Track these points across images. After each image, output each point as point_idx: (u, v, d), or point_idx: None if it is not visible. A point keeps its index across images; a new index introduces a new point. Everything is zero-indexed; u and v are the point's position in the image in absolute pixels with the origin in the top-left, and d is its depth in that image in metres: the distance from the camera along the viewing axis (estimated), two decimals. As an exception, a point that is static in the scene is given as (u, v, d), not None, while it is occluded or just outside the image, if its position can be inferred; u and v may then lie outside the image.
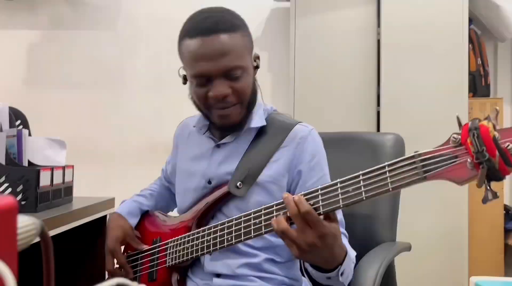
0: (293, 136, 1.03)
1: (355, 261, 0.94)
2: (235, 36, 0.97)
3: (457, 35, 2.14)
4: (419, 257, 1.95)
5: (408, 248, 1.28)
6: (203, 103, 1.01)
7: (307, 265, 0.94)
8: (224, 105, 0.99)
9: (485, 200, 0.66)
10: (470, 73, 2.33)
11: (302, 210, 0.78)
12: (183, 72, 1.05)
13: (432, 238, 2.12)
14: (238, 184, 1.01)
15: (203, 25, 0.97)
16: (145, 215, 1.21)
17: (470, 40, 2.36)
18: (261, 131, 1.06)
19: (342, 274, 0.87)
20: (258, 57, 1.05)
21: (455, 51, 2.14)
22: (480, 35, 2.51)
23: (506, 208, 2.38)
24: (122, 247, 1.16)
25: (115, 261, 1.12)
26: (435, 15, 2.17)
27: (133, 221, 1.18)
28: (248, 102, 1.02)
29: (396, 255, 1.22)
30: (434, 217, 2.13)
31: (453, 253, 2.12)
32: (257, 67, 1.05)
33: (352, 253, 0.92)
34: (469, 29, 2.31)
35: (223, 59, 0.95)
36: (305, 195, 0.81)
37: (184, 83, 1.06)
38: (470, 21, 2.39)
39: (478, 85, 2.43)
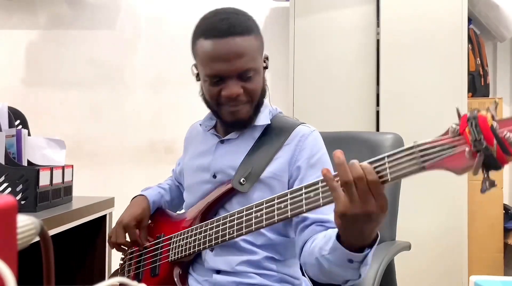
0: (295, 135, 1.06)
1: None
2: (249, 39, 1.01)
3: (456, 35, 2.15)
4: (418, 256, 1.95)
5: (407, 247, 1.29)
6: (215, 101, 1.04)
7: (317, 252, 0.88)
8: (235, 104, 1.03)
9: (483, 190, 0.66)
10: (469, 73, 2.33)
11: (369, 177, 0.71)
12: (195, 70, 1.09)
13: (432, 237, 2.12)
14: (241, 180, 1.03)
15: (218, 27, 0.99)
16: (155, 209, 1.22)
17: (470, 40, 2.37)
18: (265, 131, 1.09)
19: (367, 256, 0.80)
20: (267, 58, 1.10)
21: (455, 51, 2.15)
22: (479, 35, 2.51)
23: (505, 207, 2.39)
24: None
25: (127, 236, 1.13)
26: (434, 15, 2.17)
27: (151, 212, 1.19)
28: (258, 101, 1.06)
29: (395, 254, 1.22)
30: (433, 216, 2.13)
31: (452, 252, 2.12)
32: (266, 68, 1.09)
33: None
34: (469, 29, 2.31)
35: (237, 61, 0.99)
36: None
37: (198, 80, 1.10)
38: (470, 20, 2.39)
39: (478, 85, 2.43)
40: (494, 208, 2.32)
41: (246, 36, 1.00)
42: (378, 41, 2.23)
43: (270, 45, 2.56)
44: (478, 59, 2.44)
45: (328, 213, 0.92)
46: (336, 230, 0.82)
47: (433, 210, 2.13)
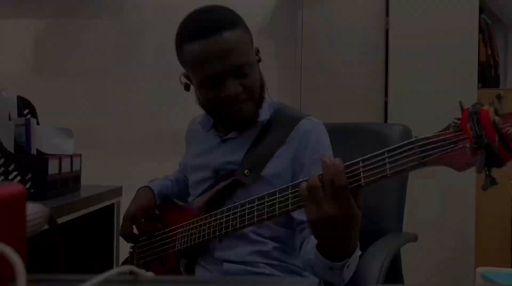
0: (297, 131, 1.04)
1: (358, 260, 0.91)
2: (237, 32, 0.96)
3: (467, 25, 2.12)
4: (425, 247, 1.95)
5: (414, 238, 1.28)
6: (215, 106, 1.01)
7: (308, 252, 0.92)
8: (236, 103, 0.99)
9: (484, 187, 0.64)
10: (479, 64, 2.30)
11: (336, 180, 0.73)
12: (184, 80, 1.04)
13: (439, 229, 2.11)
14: (245, 171, 1.02)
15: (202, 26, 0.94)
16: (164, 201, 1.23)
17: (481, 30, 2.33)
18: (268, 125, 1.06)
19: (348, 266, 0.83)
20: (258, 51, 1.05)
21: (465, 41, 2.12)
22: (490, 24, 2.47)
23: (514, 199, 2.37)
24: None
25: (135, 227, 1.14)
26: (444, 4, 2.14)
27: (158, 203, 1.20)
28: (259, 97, 1.03)
29: (402, 245, 1.22)
30: (441, 208, 2.13)
31: (459, 244, 2.11)
32: (259, 61, 1.05)
33: (358, 252, 0.88)
34: (480, 19, 2.28)
35: (231, 58, 0.94)
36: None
37: (187, 90, 1.06)
38: (481, 10, 2.35)
39: (488, 76, 2.40)
40: (503, 199, 2.30)
41: (234, 30, 0.95)
42: (387, 30, 2.20)
43: (278, 34, 2.57)
44: (489, 49, 2.41)
45: None
46: None
47: (440, 201, 2.12)
